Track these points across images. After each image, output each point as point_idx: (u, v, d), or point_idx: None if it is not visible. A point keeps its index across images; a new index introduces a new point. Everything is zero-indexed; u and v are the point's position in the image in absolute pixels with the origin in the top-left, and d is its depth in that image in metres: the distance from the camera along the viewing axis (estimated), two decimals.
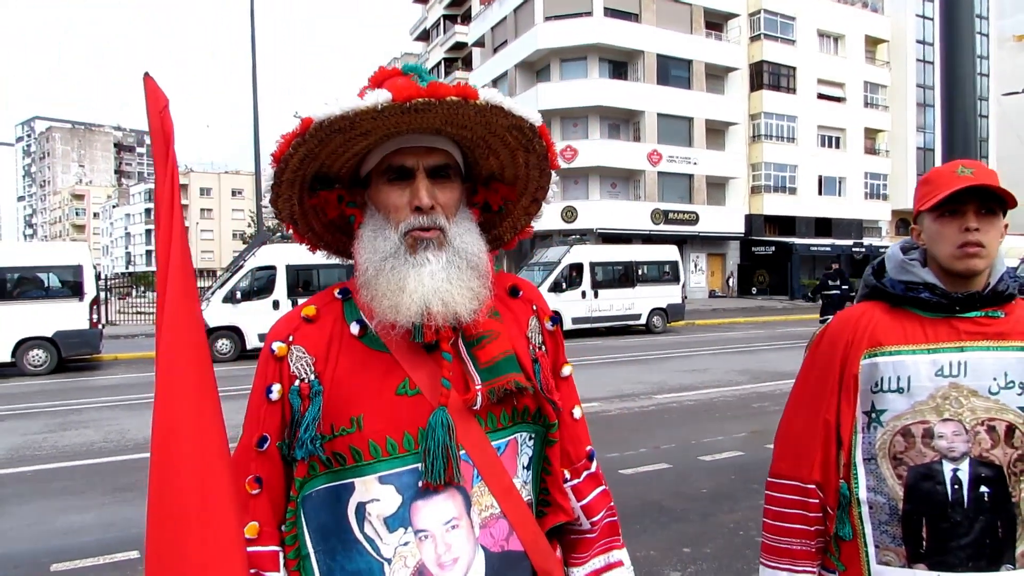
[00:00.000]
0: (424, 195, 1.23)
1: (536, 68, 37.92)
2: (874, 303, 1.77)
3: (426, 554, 1.21)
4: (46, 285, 15.35)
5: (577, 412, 1.46)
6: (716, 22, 39.40)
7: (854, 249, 39.63)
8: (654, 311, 21.97)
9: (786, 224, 41.06)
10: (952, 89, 3.97)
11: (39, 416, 10.09)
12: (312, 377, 1.25)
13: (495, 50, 40.97)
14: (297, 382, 1.25)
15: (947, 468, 1.61)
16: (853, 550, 1.71)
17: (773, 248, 39.38)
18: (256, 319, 16.19)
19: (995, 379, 1.62)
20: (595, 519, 1.43)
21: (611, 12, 35.35)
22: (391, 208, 1.26)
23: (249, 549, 1.20)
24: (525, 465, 1.34)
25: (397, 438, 1.22)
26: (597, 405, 9.80)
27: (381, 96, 1.11)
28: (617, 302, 21.49)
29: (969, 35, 4.01)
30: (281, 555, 1.25)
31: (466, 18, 48.07)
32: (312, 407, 1.23)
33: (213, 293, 17.32)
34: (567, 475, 1.42)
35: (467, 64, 47.38)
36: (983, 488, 1.60)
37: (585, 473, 1.44)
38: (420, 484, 1.21)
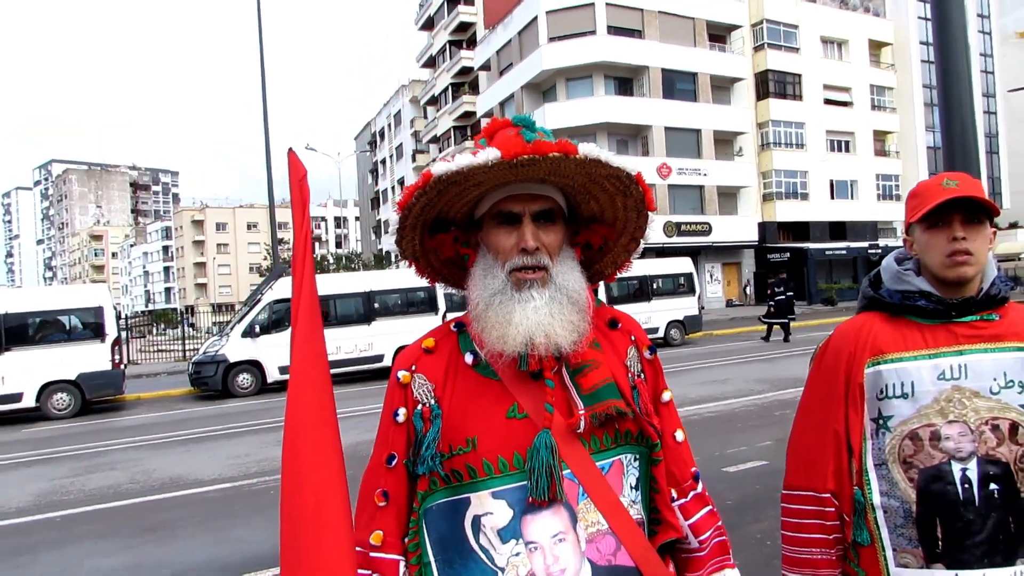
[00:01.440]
0: (530, 238, 1.36)
1: (543, 89, 38.17)
2: (873, 313, 1.82)
3: (536, 564, 1.32)
4: (67, 328, 15.56)
5: (680, 435, 1.54)
6: (719, 34, 39.54)
7: (870, 251, 39.38)
8: (671, 324, 21.92)
9: (800, 229, 40.90)
10: (948, 89, 4.00)
11: (65, 460, 10.19)
12: (432, 402, 1.40)
13: (501, 73, 41.31)
14: (420, 406, 1.41)
15: (956, 468, 1.64)
16: (872, 555, 1.73)
17: (788, 254, 39.17)
18: (276, 352, 16.28)
19: (995, 379, 1.66)
20: (703, 537, 1.49)
21: (614, 30, 35.57)
22: (500, 249, 1.39)
23: (372, 555, 1.38)
24: (633, 485, 1.43)
25: (508, 457, 1.34)
26: None
27: (492, 154, 1.26)
28: (634, 316, 21.39)
29: (961, 33, 4.04)
30: (402, 564, 1.39)
31: (471, 43, 48.53)
32: (432, 428, 1.38)
33: (232, 328, 17.46)
34: (674, 494, 1.49)
35: (474, 88, 47.78)
36: (992, 486, 1.63)
37: (692, 493, 1.51)
38: (528, 500, 1.32)
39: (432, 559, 1.37)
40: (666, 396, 1.54)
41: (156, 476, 8.57)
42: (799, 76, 41.08)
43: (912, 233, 1.79)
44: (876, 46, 44.52)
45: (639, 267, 22.67)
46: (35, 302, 15.59)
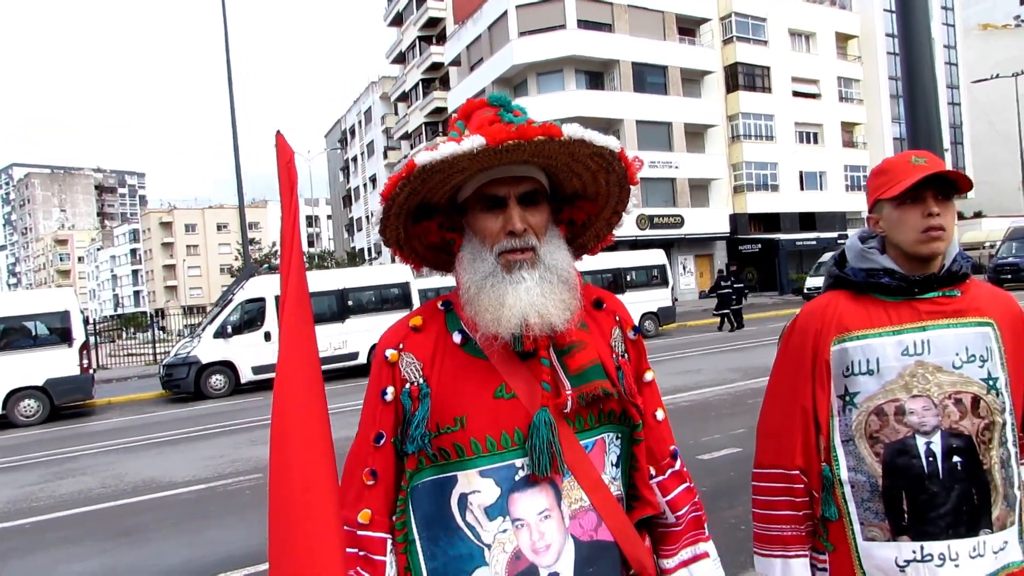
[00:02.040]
0: (517, 221, 1.37)
1: (514, 83, 38.13)
2: (838, 292, 1.84)
3: (522, 540, 1.35)
4: (34, 333, 15.26)
5: (660, 414, 1.57)
6: (689, 27, 39.76)
7: (839, 241, 39.86)
8: (645, 315, 22.06)
9: (770, 221, 41.34)
10: (912, 80, 4.06)
11: (35, 467, 10.01)
12: (421, 380, 1.40)
13: (472, 68, 41.21)
14: (408, 385, 1.40)
15: (920, 442, 1.67)
16: (840, 529, 1.76)
17: (760, 245, 39.58)
18: (249, 352, 16.15)
19: (957, 354, 1.69)
20: (680, 513, 1.53)
21: (584, 24, 35.63)
22: (487, 233, 1.40)
23: (360, 533, 1.38)
24: (614, 463, 1.47)
25: (496, 436, 1.36)
26: None
27: (476, 142, 1.26)
28: None
29: (924, 24, 4.11)
30: (389, 541, 1.40)
31: (441, 38, 48.32)
32: (421, 407, 1.38)
33: (203, 329, 17.26)
34: (652, 472, 1.53)
35: (445, 84, 47.61)
36: (956, 458, 1.66)
37: (670, 471, 1.55)
38: (517, 477, 1.35)
39: (417, 536, 1.39)
40: (648, 376, 1.57)
41: (128, 480, 8.46)
42: (768, 69, 41.47)
43: (879, 210, 1.81)
44: (843, 39, 45.05)
45: (613, 259, 22.82)
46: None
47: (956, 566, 1.64)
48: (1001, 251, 31.56)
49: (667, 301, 22.73)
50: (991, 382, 1.69)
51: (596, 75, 37.44)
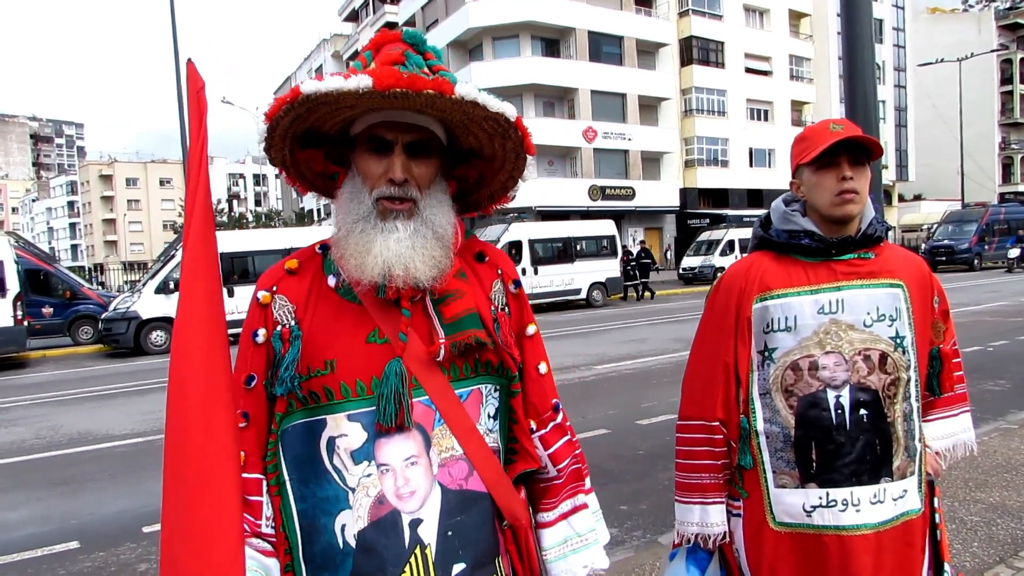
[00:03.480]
0: (399, 170, 1.34)
1: (469, 47, 37.69)
2: (762, 253, 1.95)
3: (386, 486, 1.34)
4: None
5: (543, 367, 1.56)
6: None
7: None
8: (593, 285, 22.31)
9: (719, 196, 41.94)
10: (852, 58, 4.19)
11: None
12: (292, 323, 1.38)
13: (427, 29, 40.49)
14: (279, 327, 1.39)
15: (831, 396, 1.79)
16: (754, 477, 1.87)
17: (708, 220, 40.18)
18: None
19: (868, 313, 1.81)
20: (561, 466, 1.53)
21: None
22: (369, 175, 1.37)
23: None
24: (491, 414, 1.46)
25: (366, 381, 1.35)
26: None
27: (363, 82, 1.22)
28: (557, 278, 21.74)
29: (866, 4, 4.22)
30: (264, 482, 1.38)
31: None
32: (292, 350, 1.36)
33: (144, 285, 16.90)
34: (533, 426, 1.52)
35: None
36: (862, 411, 1.78)
37: (551, 424, 1.54)
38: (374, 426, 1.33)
39: (287, 478, 1.39)
40: (531, 329, 1.56)
41: (64, 432, 8.32)
42: (722, 44, 41.79)
43: (800, 175, 1.91)
44: (796, 16, 45.58)
45: (563, 229, 22.94)
46: None
47: (857, 511, 1.77)
48: (937, 234, 32.56)
49: (615, 272, 22.98)
50: (899, 340, 1.81)
51: (552, 42, 37.23)
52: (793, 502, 1.81)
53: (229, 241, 16.17)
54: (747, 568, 1.88)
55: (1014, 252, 29.02)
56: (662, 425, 6.96)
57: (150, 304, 16.01)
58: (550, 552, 1.51)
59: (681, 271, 30.77)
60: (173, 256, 16.82)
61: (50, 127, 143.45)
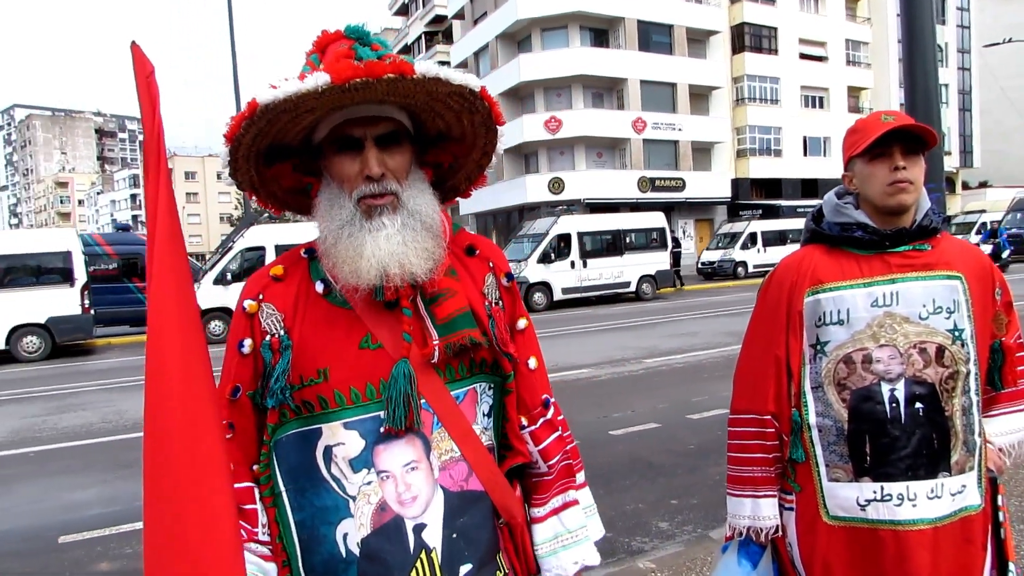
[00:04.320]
0: (374, 164, 1.30)
1: (518, 39, 37.60)
2: (814, 246, 1.93)
3: (387, 492, 1.32)
4: (37, 272, 15.39)
5: (533, 363, 1.53)
6: None
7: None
8: (643, 278, 22.14)
9: (772, 187, 41.12)
10: (912, 44, 4.08)
11: (36, 400, 10.21)
12: (282, 332, 1.34)
13: (475, 22, 40.60)
14: (268, 337, 1.34)
15: (885, 389, 1.77)
16: (807, 471, 1.87)
17: (760, 211, 39.45)
18: None
19: (924, 306, 1.78)
20: (551, 462, 1.51)
21: None
22: (344, 178, 1.33)
23: None
24: (485, 413, 1.45)
25: (360, 388, 1.32)
26: (588, 371, 9.98)
27: (321, 79, 1.18)
28: (606, 271, 21.64)
29: None
30: (256, 490, 1.36)
31: None
32: (282, 360, 1.32)
33: (204, 275, 17.37)
34: (524, 422, 1.50)
35: (448, 37, 46.92)
36: (918, 404, 1.76)
37: (541, 420, 1.52)
38: (382, 430, 1.31)
39: (284, 489, 1.36)
40: (522, 323, 1.53)
41: (128, 416, 8.61)
42: (775, 29, 40.87)
43: (852, 168, 1.88)
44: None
45: (612, 221, 22.80)
46: (3, 246, 15.38)
47: (914, 506, 1.75)
48: (1006, 222, 31.26)
49: (665, 264, 22.78)
50: (957, 333, 1.78)
51: (601, 32, 36.92)
52: (847, 496, 1.80)
53: (283, 234, 16.62)
54: (800, 562, 1.88)
55: None
56: (713, 420, 6.90)
57: (208, 294, 16.42)
58: (541, 548, 1.50)
59: (700, 266, 29.85)
60: (230, 248, 17.32)
61: (114, 122, 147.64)
